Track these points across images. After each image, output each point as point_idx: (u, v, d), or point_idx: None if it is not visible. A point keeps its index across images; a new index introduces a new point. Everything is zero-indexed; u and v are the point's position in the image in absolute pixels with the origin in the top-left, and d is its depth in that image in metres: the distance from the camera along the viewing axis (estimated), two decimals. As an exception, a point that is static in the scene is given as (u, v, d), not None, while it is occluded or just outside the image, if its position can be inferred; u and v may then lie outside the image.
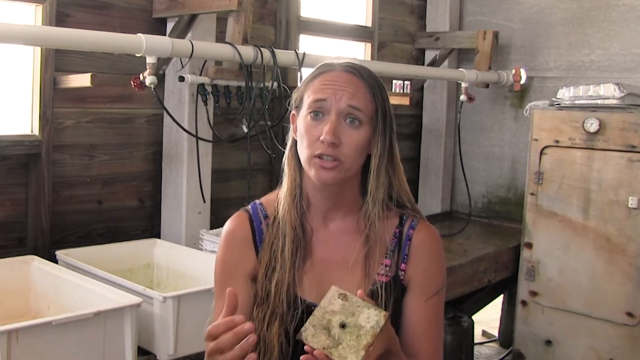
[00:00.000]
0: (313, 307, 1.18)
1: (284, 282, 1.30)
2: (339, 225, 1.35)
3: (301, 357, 1.11)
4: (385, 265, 1.32)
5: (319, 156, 1.25)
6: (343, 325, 1.10)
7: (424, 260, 1.34)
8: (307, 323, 1.12)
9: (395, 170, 1.34)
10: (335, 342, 1.09)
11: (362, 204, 1.35)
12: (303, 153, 1.29)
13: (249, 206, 1.41)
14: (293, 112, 1.36)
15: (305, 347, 1.11)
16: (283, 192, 1.36)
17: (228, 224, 1.41)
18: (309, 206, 1.35)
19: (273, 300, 1.29)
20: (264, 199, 1.42)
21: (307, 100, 1.30)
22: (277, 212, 1.35)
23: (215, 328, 1.10)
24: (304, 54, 2.83)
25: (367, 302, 1.13)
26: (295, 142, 1.34)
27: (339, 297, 1.14)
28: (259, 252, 1.36)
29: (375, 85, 1.31)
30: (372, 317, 1.10)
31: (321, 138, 1.25)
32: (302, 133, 1.29)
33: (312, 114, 1.28)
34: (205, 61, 2.70)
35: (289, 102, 1.39)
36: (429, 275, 1.34)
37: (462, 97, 3.73)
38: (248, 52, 2.60)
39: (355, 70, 1.31)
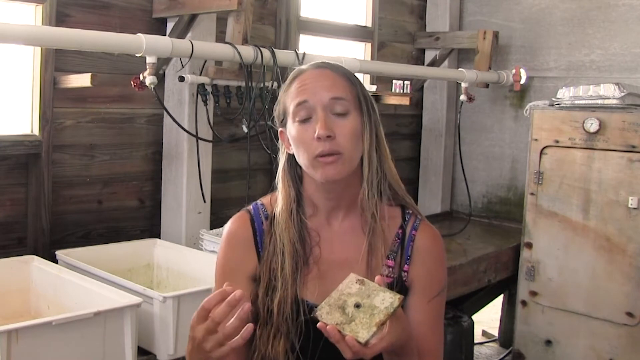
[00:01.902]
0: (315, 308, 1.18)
1: (287, 300, 1.28)
2: (342, 225, 1.35)
3: (318, 325, 1.10)
4: (388, 267, 1.33)
5: (319, 155, 1.25)
6: (358, 306, 1.12)
7: (427, 261, 1.34)
8: (323, 302, 1.14)
9: (382, 155, 1.34)
10: (349, 319, 1.10)
11: None
12: (303, 159, 1.29)
13: (251, 206, 1.41)
14: (280, 129, 1.36)
15: (318, 325, 1.10)
16: (279, 208, 1.35)
17: (229, 225, 1.40)
18: (314, 208, 1.35)
19: (277, 319, 1.28)
20: (265, 199, 1.42)
21: (290, 108, 1.30)
22: (274, 229, 1.34)
23: (208, 302, 1.10)
24: (304, 54, 2.83)
25: (383, 287, 1.15)
26: (288, 158, 1.34)
27: (356, 282, 1.16)
28: (260, 263, 1.34)
29: (348, 73, 1.33)
30: (386, 299, 1.12)
31: (315, 135, 1.25)
32: (296, 141, 1.29)
33: (299, 120, 1.28)
34: (205, 61, 2.70)
35: (273, 119, 1.38)
36: (432, 277, 1.34)
37: (462, 97, 3.73)
38: (248, 52, 2.60)
39: (325, 64, 1.33)
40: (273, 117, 1.39)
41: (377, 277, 1.16)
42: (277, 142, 1.41)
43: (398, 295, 1.12)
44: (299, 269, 1.31)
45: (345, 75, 1.32)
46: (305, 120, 1.28)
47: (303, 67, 1.35)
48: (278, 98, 1.37)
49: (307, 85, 1.29)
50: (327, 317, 1.11)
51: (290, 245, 1.31)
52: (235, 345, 1.09)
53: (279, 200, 1.36)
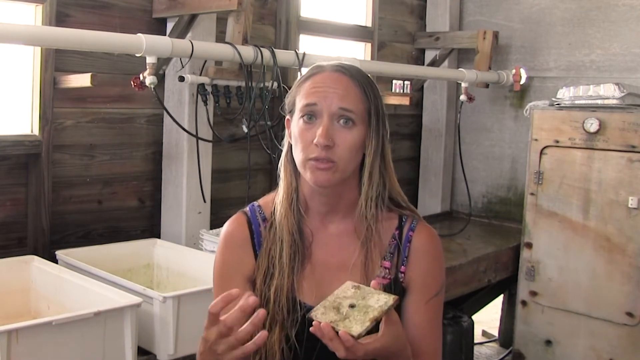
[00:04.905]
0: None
1: (283, 288, 1.29)
2: (338, 227, 1.35)
3: (313, 324, 1.10)
4: (385, 268, 1.32)
5: (314, 159, 1.25)
6: (352, 306, 1.12)
7: (424, 262, 1.34)
8: (318, 305, 1.14)
9: (387, 169, 1.33)
10: (343, 317, 1.11)
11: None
12: (298, 157, 1.29)
13: (247, 208, 1.41)
14: (287, 117, 1.36)
15: (313, 323, 1.10)
16: (279, 197, 1.35)
17: (226, 227, 1.41)
18: (307, 210, 1.35)
19: (273, 306, 1.29)
20: (262, 201, 1.42)
21: (299, 104, 1.30)
22: (274, 217, 1.35)
23: (214, 306, 1.10)
24: (304, 54, 2.83)
25: (379, 290, 1.15)
26: (291, 147, 1.34)
27: (352, 288, 1.16)
28: (257, 258, 1.35)
29: (366, 83, 1.31)
30: (381, 299, 1.12)
31: (315, 141, 1.25)
32: (296, 137, 1.29)
33: (304, 117, 1.28)
34: (205, 61, 2.70)
35: (282, 107, 1.39)
36: (429, 277, 1.34)
37: (462, 97, 3.73)
38: (248, 52, 2.60)
39: (344, 69, 1.30)
40: (282, 105, 1.39)
41: (373, 282, 1.16)
42: (277, 142, 1.41)
43: (393, 296, 1.13)
44: (296, 258, 1.31)
45: (361, 84, 1.29)
46: (310, 119, 1.27)
47: (324, 64, 1.33)
48: (292, 86, 1.36)
49: (321, 88, 1.28)
50: (321, 316, 1.12)
51: (289, 234, 1.31)
52: (248, 351, 1.09)
53: (280, 188, 1.36)
